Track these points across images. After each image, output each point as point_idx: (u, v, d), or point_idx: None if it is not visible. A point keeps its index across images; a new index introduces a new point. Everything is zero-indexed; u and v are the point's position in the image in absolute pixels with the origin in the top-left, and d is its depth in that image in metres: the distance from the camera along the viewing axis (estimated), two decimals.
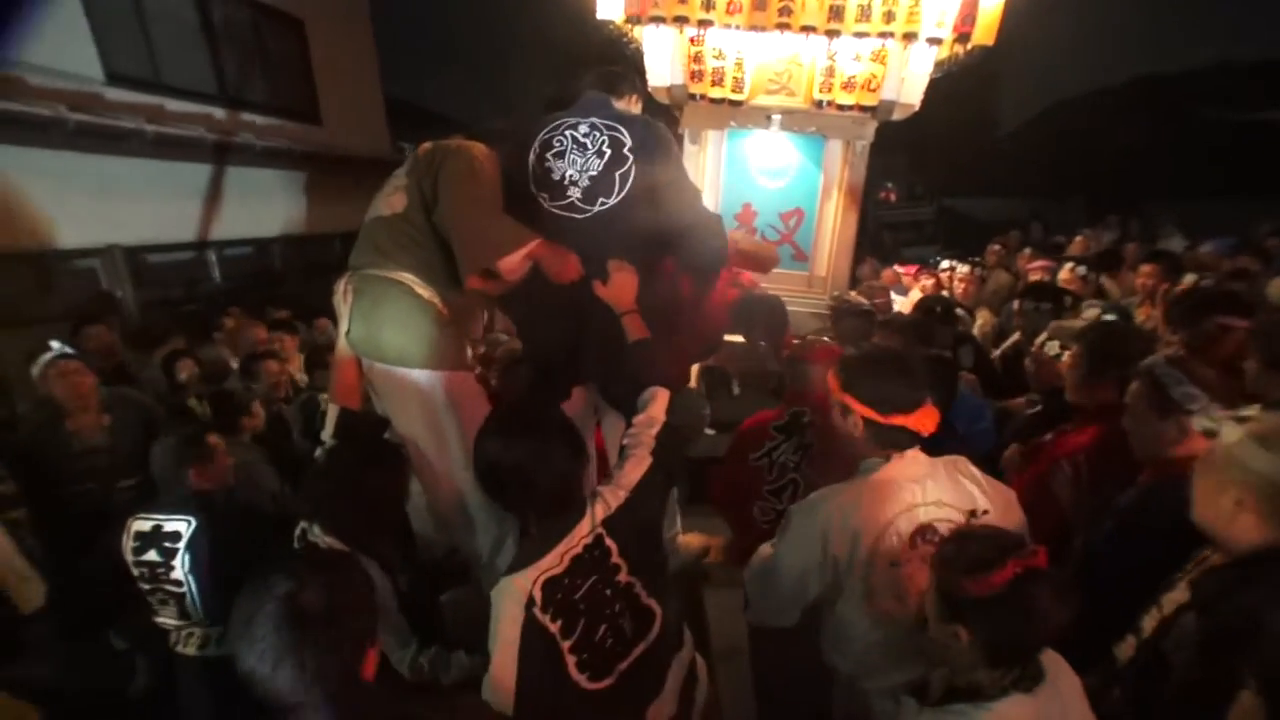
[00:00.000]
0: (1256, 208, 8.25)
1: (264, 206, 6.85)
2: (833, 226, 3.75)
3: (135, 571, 1.97)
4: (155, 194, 5.39)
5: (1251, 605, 1.17)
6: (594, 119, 1.95)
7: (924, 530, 1.46)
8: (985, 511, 1.49)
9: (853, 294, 3.64)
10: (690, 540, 2.58)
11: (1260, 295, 3.84)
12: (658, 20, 3.29)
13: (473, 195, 1.79)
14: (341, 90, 8.11)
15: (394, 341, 1.79)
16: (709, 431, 3.13)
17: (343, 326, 1.86)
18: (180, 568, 1.94)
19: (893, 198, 16.74)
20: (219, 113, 6.19)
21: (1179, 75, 22.79)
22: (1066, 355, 2.16)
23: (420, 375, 1.81)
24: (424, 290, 1.78)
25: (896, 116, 3.52)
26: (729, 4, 3.16)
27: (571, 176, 1.91)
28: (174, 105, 5.57)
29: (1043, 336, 2.36)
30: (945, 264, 5.01)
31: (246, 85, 6.72)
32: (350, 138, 8.02)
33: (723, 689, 2.26)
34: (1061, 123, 22.70)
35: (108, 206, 4.96)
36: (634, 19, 3.34)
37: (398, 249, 1.80)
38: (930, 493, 1.49)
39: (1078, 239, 6.65)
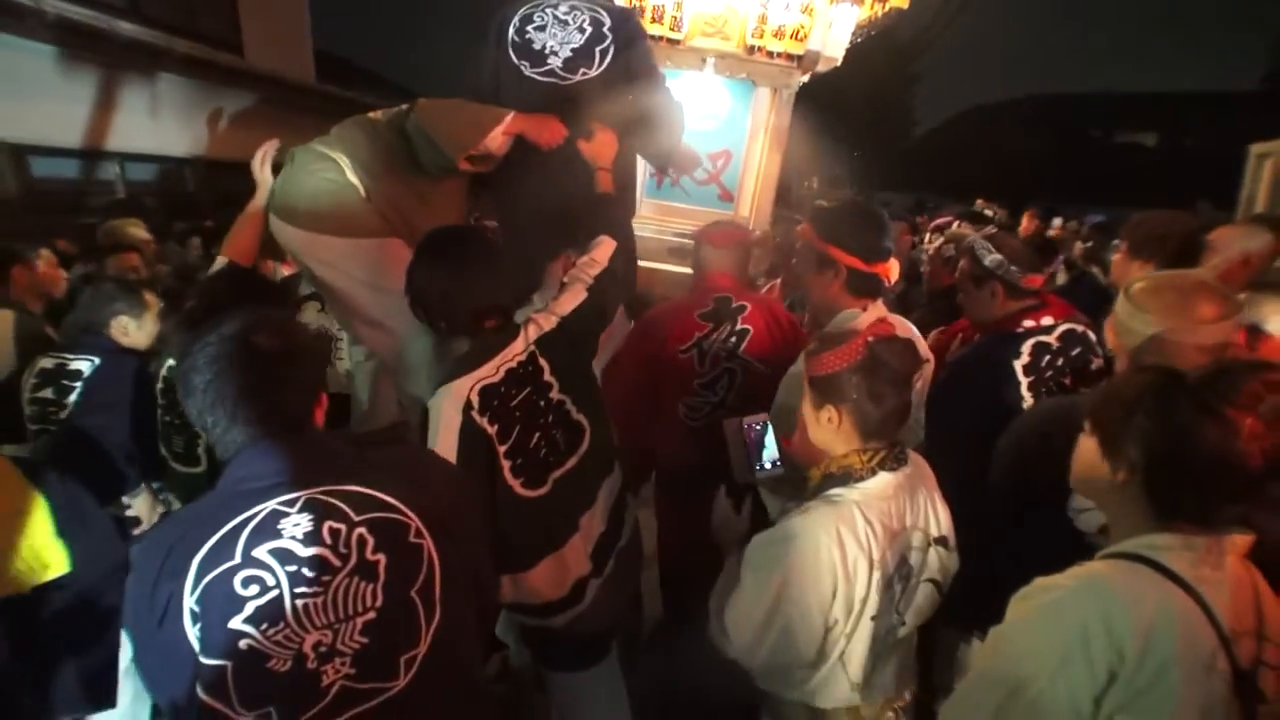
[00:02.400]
0: (1122, 217, 9.51)
1: (175, 122, 6.39)
2: (758, 170, 3.97)
3: (27, 410, 1.97)
4: (52, 88, 4.98)
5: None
6: (573, 0, 2.07)
7: None
8: (928, 359, 1.74)
9: None
10: None
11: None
12: None
13: (441, 100, 1.90)
14: (268, 24, 7.63)
15: (306, 207, 1.82)
16: None
17: (271, 183, 1.90)
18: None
19: (814, 186, 17.72)
20: (126, 27, 5.69)
21: (1069, 96, 24.91)
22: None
23: (333, 240, 1.84)
24: (351, 175, 1.81)
25: (821, 68, 3.77)
26: None
27: (551, 47, 2.02)
28: (75, 12, 5.12)
29: (939, 240, 2.74)
30: None
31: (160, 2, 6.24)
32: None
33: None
34: (971, 128, 24.42)
35: None
36: None
37: (350, 139, 1.85)
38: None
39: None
